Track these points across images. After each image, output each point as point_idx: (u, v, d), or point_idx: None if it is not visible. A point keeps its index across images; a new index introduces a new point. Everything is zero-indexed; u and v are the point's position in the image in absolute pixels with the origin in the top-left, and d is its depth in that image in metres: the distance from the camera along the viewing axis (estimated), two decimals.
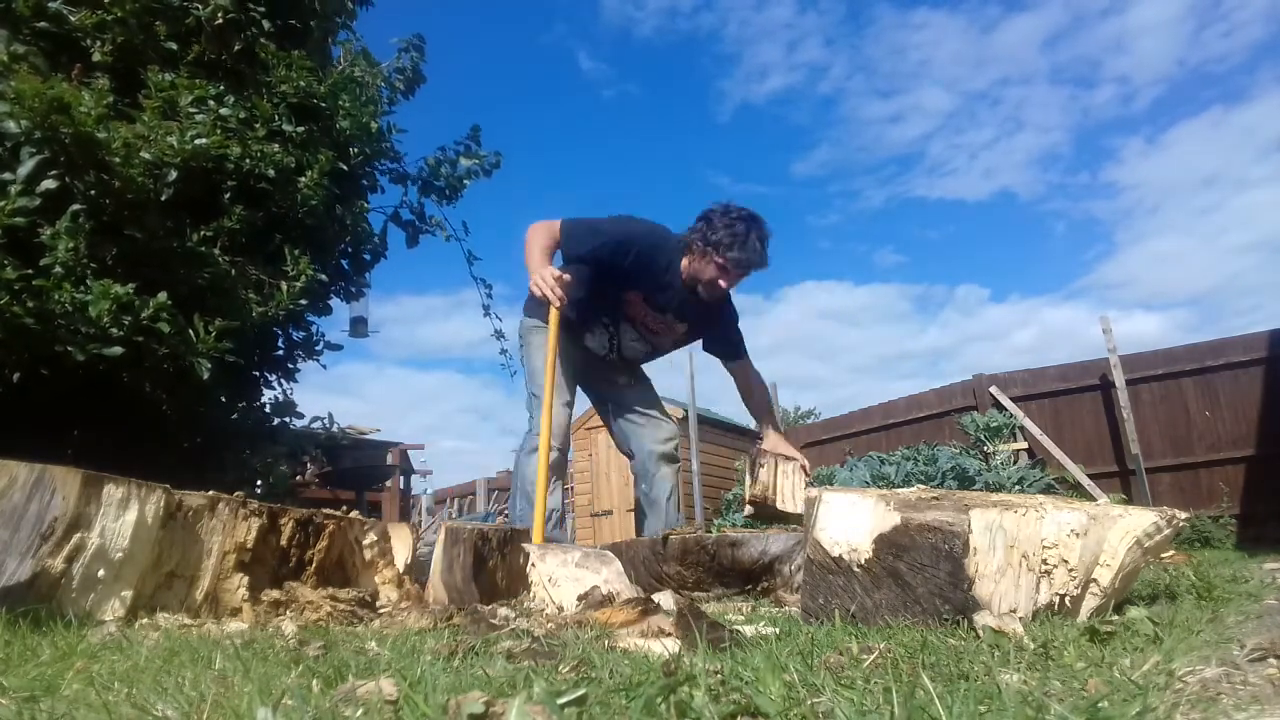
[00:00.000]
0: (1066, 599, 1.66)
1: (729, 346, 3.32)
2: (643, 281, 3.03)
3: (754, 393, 3.38)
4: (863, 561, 1.71)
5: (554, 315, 2.98)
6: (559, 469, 3.05)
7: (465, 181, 4.24)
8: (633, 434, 3.31)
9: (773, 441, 3.29)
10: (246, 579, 1.90)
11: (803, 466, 3.32)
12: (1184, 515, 1.85)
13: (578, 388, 3.30)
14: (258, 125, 3.22)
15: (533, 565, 2.31)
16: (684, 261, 3.04)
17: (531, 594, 2.24)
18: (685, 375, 9.91)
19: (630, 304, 3.11)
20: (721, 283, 2.94)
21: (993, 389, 7.87)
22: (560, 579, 2.24)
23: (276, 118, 3.33)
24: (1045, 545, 1.66)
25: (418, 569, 2.39)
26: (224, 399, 3.58)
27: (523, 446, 3.11)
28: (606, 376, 3.34)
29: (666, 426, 3.36)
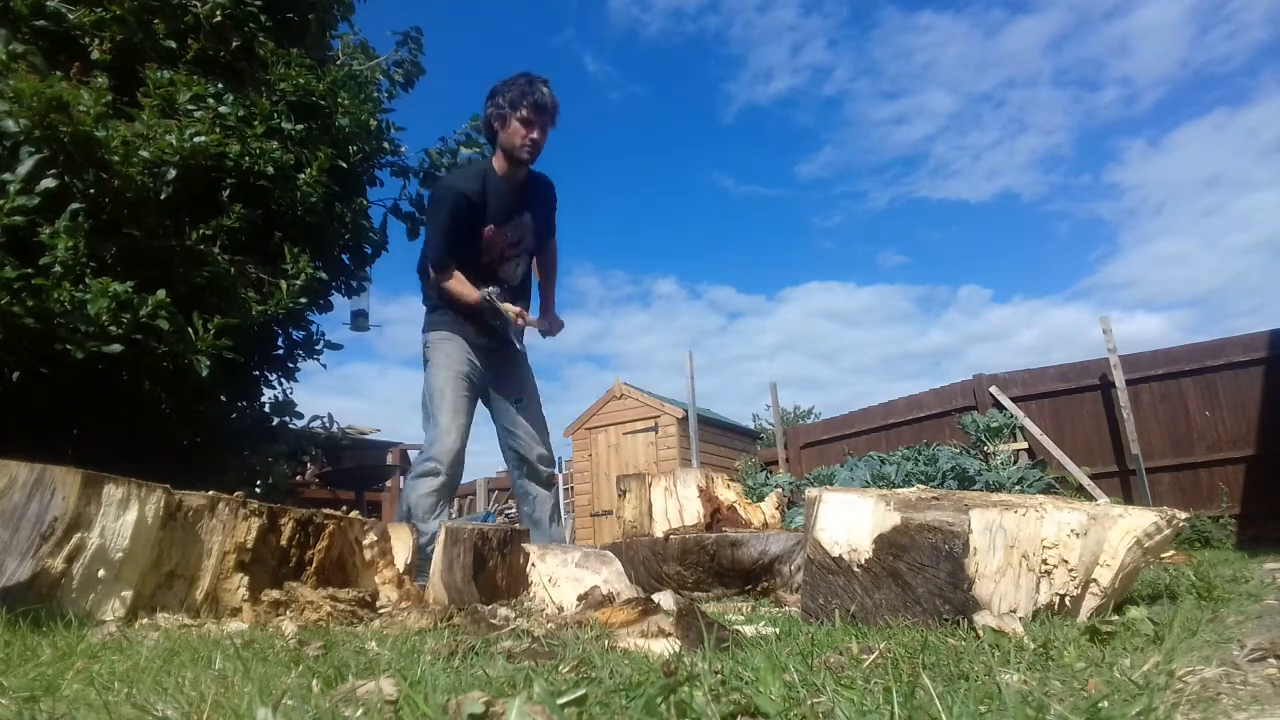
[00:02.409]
0: (1066, 599, 1.66)
1: (550, 225, 3.44)
2: (481, 212, 3.15)
3: (550, 272, 3.48)
4: (863, 561, 1.71)
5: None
6: (446, 493, 3.06)
7: None
8: (515, 456, 3.34)
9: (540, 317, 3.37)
10: (246, 579, 1.90)
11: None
12: (1184, 515, 1.85)
13: (478, 402, 3.34)
14: (257, 123, 3.21)
15: (533, 565, 2.31)
16: (495, 159, 3.20)
17: (531, 594, 2.24)
18: (685, 375, 9.91)
19: (491, 242, 3.19)
20: (533, 135, 3.10)
21: (993, 389, 7.86)
22: (560, 579, 2.24)
23: (275, 115, 3.33)
24: (1045, 545, 1.66)
25: (418, 569, 2.38)
26: (224, 398, 3.58)
27: (413, 469, 3.10)
28: (502, 386, 3.34)
29: (545, 451, 3.41)
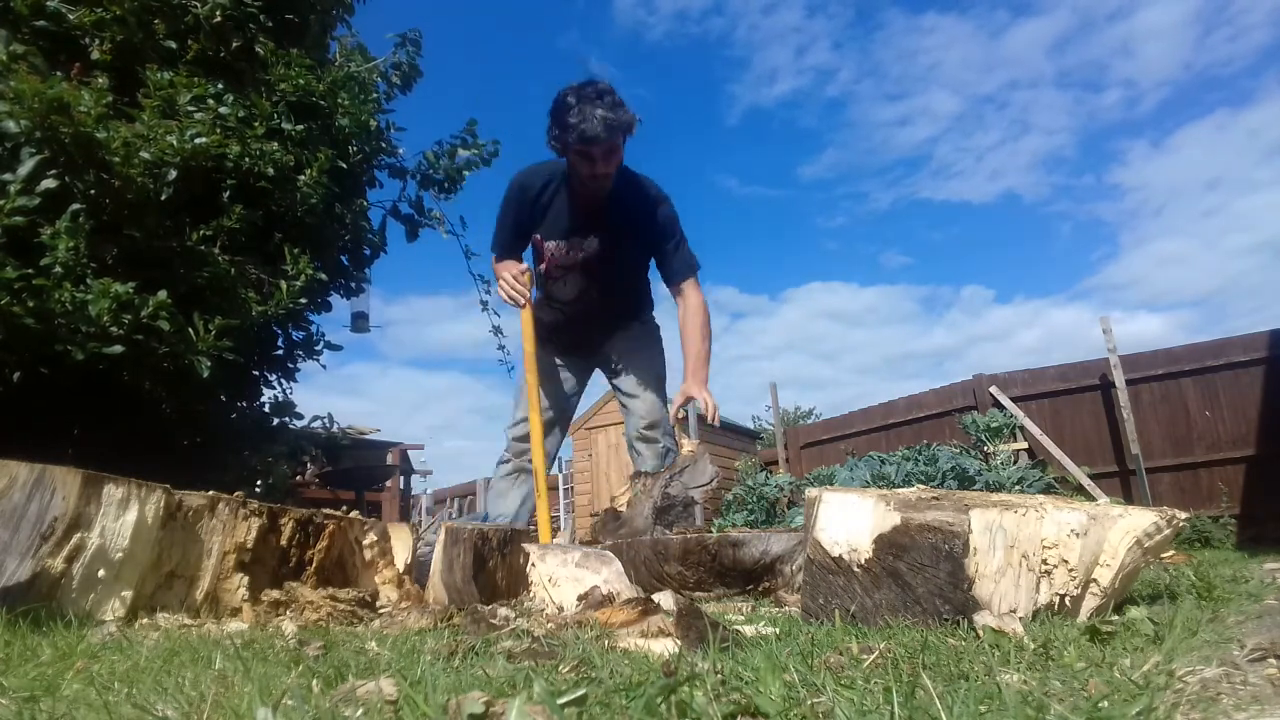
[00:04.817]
0: (1066, 599, 1.66)
1: (667, 263, 3.00)
2: (538, 214, 2.95)
3: (687, 325, 2.99)
4: (863, 561, 1.70)
5: (525, 316, 3.00)
6: (517, 474, 3.06)
7: (464, 173, 4.25)
8: (624, 415, 3.24)
9: (687, 384, 2.99)
10: (246, 579, 1.90)
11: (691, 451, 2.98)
12: (1184, 515, 1.85)
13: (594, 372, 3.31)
14: (257, 124, 3.21)
15: (533, 565, 2.31)
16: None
17: (531, 594, 2.24)
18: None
19: (539, 250, 3.06)
20: (599, 169, 2.72)
21: (993, 389, 7.86)
22: (560, 579, 2.24)
23: (276, 116, 3.33)
24: (1045, 545, 1.66)
25: (418, 569, 2.38)
26: (224, 398, 3.58)
27: (499, 464, 3.13)
28: (603, 348, 3.22)
29: (647, 406, 3.17)
